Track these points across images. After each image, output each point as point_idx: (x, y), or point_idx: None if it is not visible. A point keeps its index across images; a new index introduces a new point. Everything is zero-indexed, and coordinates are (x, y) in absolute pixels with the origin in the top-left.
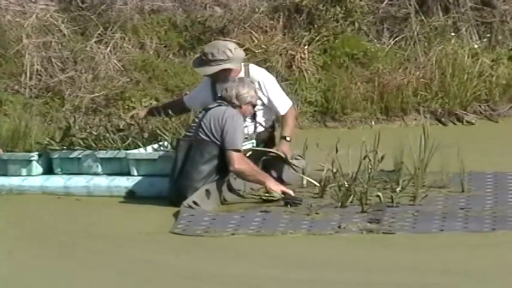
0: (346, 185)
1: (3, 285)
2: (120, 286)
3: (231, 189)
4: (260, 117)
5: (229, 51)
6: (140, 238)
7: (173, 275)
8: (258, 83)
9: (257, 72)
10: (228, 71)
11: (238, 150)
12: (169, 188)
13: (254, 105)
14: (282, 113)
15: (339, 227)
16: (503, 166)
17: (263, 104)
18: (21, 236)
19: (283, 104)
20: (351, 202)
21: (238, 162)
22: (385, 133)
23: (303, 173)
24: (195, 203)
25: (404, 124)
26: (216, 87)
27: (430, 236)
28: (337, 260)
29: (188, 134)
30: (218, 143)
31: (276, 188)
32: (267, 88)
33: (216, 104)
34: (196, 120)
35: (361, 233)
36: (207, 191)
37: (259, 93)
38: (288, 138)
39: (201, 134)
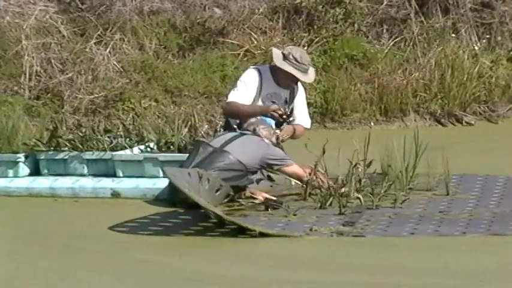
0: (326, 187)
1: (5, 286)
2: (121, 287)
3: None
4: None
5: None
6: (137, 239)
7: (173, 276)
8: (299, 93)
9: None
10: None
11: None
12: (170, 187)
13: None
14: (300, 123)
15: (311, 229)
16: (502, 167)
17: (291, 113)
18: (19, 238)
19: (306, 120)
20: (330, 204)
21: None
22: (384, 134)
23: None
24: (199, 174)
25: (404, 125)
26: (262, 87)
27: (431, 238)
28: (338, 261)
29: (209, 142)
30: (247, 167)
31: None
32: (302, 101)
33: (249, 133)
34: (228, 135)
35: (331, 235)
36: (208, 179)
37: (295, 101)
38: (295, 130)
39: (228, 150)
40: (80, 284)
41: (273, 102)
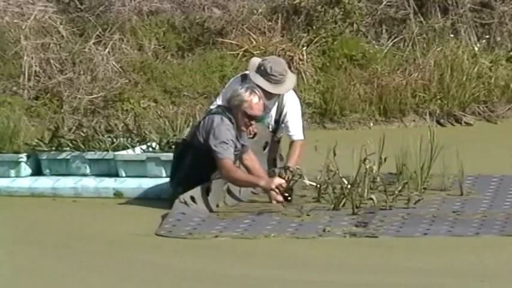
0: (339, 188)
1: (5, 286)
2: (122, 287)
3: (229, 192)
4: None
5: None
6: (138, 240)
7: (175, 276)
8: (287, 103)
9: (289, 93)
10: None
11: (226, 158)
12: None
13: (249, 116)
14: (294, 138)
15: (324, 230)
16: (501, 167)
17: (278, 121)
18: (19, 238)
19: (298, 132)
20: (343, 205)
21: (227, 170)
22: (384, 134)
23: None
24: (192, 198)
25: (403, 125)
26: None
27: (434, 238)
28: (340, 261)
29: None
30: (202, 146)
31: (268, 185)
32: (290, 110)
33: (214, 109)
34: (196, 123)
35: (344, 236)
36: (208, 188)
37: (284, 112)
38: (291, 169)
39: (195, 140)
40: (81, 285)
41: None
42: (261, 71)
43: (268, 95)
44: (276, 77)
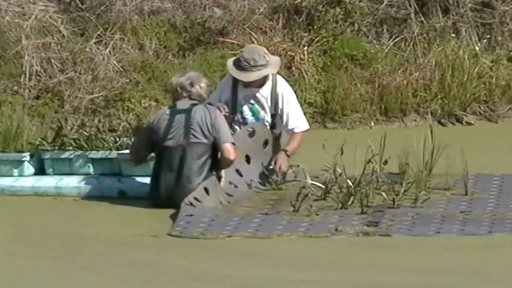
0: (346, 187)
1: (5, 287)
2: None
3: (226, 191)
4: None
5: (267, 56)
6: (139, 239)
7: (177, 276)
8: (281, 94)
9: (282, 84)
10: (266, 76)
11: (232, 143)
12: (157, 195)
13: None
14: (296, 131)
15: (336, 229)
16: (502, 167)
17: (274, 115)
18: (19, 238)
19: (300, 122)
20: (351, 204)
21: (235, 152)
22: (385, 134)
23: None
24: (196, 199)
25: (404, 125)
26: (237, 90)
27: (435, 238)
28: (343, 261)
29: (169, 139)
30: (209, 142)
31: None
32: (288, 102)
33: (188, 105)
34: (178, 124)
35: (357, 235)
36: (205, 188)
37: (280, 104)
38: (288, 153)
39: (192, 138)
40: (80, 285)
41: (251, 104)
42: (248, 67)
43: (245, 84)
44: (241, 63)
